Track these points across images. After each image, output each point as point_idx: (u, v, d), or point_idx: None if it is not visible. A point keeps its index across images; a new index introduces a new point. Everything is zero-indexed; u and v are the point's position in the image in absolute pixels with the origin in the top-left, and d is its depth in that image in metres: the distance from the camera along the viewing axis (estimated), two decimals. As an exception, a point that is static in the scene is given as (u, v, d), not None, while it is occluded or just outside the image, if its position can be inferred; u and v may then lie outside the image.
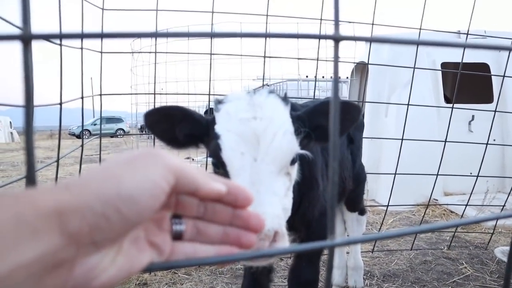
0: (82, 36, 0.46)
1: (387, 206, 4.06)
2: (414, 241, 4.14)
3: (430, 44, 0.57)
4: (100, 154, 3.44)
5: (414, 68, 3.49)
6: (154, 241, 0.51)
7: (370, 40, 0.84)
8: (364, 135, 6.58)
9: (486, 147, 3.71)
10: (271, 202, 1.08)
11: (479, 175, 4.02)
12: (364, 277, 3.45)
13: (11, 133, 24.17)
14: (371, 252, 4.01)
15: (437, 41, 0.58)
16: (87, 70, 2.87)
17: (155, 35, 0.50)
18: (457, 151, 5.34)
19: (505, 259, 3.67)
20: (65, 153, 2.69)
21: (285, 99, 1.40)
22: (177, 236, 0.55)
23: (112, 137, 28.39)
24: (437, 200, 5.76)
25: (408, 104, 3.55)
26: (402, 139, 3.65)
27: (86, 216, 0.40)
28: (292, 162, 1.26)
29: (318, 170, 1.87)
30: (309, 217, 1.89)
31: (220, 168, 1.27)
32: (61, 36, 0.46)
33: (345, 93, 9.50)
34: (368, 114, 6.38)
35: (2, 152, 14.22)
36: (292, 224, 1.76)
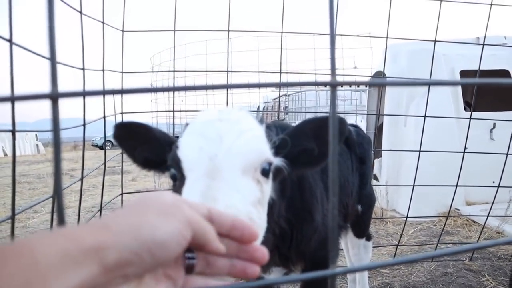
0: (103, 93, 0.52)
1: (406, 217, 4.02)
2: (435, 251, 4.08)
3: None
4: (122, 165, 3.54)
5: (430, 82, 3.47)
6: (169, 274, 0.58)
7: (368, 83, 0.89)
8: (383, 146, 6.55)
9: (507, 157, 3.66)
10: (228, 193, 0.95)
11: (501, 184, 3.96)
12: (383, 289, 3.44)
13: (37, 145, 24.90)
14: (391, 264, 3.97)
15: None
16: (108, 87, 2.99)
17: (173, 89, 0.56)
18: (479, 159, 5.25)
19: (529, 271, 3.60)
20: (89, 172, 2.79)
21: (261, 120, 1.26)
22: (189, 269, 0.61)
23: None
24: (459, 210, 5.68)
25: (424, 116, 3.55)
26: (419, 151, 3.64)
27: (122, 252, 0.48)
28: (264, 172, 1.10)
29: (314, 197, 1.73)
30: (305, 250, 1.75)
31: (176, 174, 1.13)
32: (85, 94, 0.52)
33: (364, 102, 9.48)
34: (387, 124, 6.35)
35: (29, 164, 14.65)
36: (288, 257, 1.70)
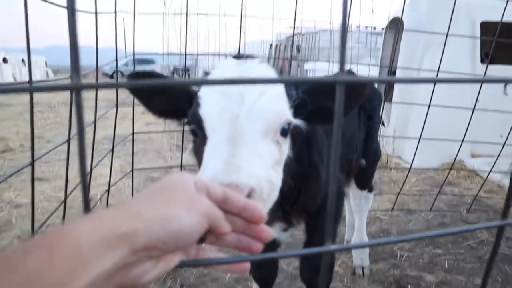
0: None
1: (409, 168, 4.10)
2: (434, 202, 4.21)
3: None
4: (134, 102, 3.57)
5: (447, 34, 3.38)
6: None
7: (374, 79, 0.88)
8: (394, 92, 6.48)
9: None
10: (250, 160, 0.97)
11: (508, 141, 3.98)
12: (381, 235, 3.60)
13: (47, 72, 24.81)
14: (391, 211, 4.12)
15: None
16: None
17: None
18: (489, 112, 5.21)
19: (524, 225, 3.71)
20: (102, 114, 2.85)
21: (280, 72, 1.26)
22: (201, 240, 0.67)
23: (143, 79, 28.64)
24: (463, 161, 5.73)
25: (438, 71, 3.50)
26: (429, 105, 3.63)
27: (151, 239, 0.56)
28: (283, 133, 1.12)
29: (320, 157, 1.73)
30: (310, 207, 1.79)
31: (197, 131, 1.14)
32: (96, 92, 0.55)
33: (379, 45, 9.22)
34: (401, 72, 6.23)
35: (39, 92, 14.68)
36: (291, 213, 1.72)
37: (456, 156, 4.14)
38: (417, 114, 5.90)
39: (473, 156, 5.90)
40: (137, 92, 1.31)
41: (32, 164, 1.91)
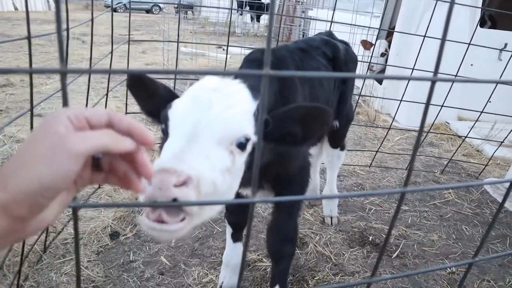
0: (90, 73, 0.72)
1: (389, 127, 4.28)
2: (410, 162, 4.43)
3: None
4: (129, 32, 3.64)
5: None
6: (76, 180, 0.70)
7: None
8: (391, 50, 6.49)
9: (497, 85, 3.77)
10: (197, 157, 1.03)
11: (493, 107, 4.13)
12: (355, 188, 3.86)
13: (48, 1, 23.95)
14: (369, 166, 4.36)
15: None
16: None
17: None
18: (484, 76, 5.30)
19: (490, 190, 3.97)
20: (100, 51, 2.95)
21: (255, 96, 1.36)
22: (97, 165, 0.72)
23: (147, 12, 28.02)
24: (449, 123, 5.91)
25: (424, 36, 3.55)
26: (413, 66, 3.74)
27: (20, 206, 0.59)
28: (240, 146, 1.20)
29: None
30: (281, 175, 1.89)
31: (165, 129, 1.23)
32: (90, 72, 0.72)
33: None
34: (399, 26, 6.20)
35: (40, 24, 14.23)
36: (261, 179, 1.82)
37: (436, 118, 4.28)
38: (409, 73, 5.99)
39: (460, 119, 6.06)
40: (133, 92, 1.44)
41: (31, 96, 2.04)
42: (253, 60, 1.94)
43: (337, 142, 3.14)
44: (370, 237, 3.07)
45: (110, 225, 2.95)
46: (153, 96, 1.40)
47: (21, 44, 8.73)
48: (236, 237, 2.44)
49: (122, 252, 2.72)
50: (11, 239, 0.63)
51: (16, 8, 20.36)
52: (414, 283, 2.63)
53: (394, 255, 2.89)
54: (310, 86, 2.17)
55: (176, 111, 1.21)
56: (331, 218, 3.23)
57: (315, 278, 2.59)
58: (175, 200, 0.86)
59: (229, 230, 2.45)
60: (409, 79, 0.77)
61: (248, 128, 1.24)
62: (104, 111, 0.71)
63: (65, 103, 0.64)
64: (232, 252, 2.46)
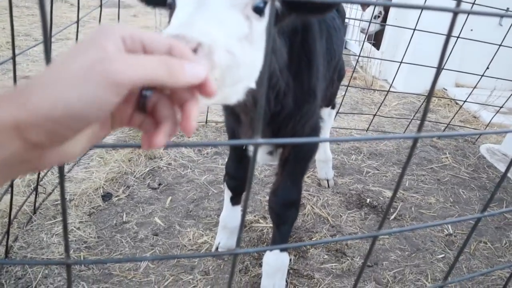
0: None
1: (387, 91, 4.18)
2: (407, 126, 4.38)
3: None
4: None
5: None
6: (114, 114, 0.59)
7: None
8: (389, 14, 6.30)
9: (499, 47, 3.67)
10: (209, 21, 0.88)
11: (491, 73, 4.04)
12: (352, 152, 3.80)
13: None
14: (366, 131, 4.30)
15: None
16: None
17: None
18: (480, 42, 5.18)
19: (487, 155, 3.94)
20: (86, 13, 2.79)
21: None
22: (142, 105, 0.60)
23: None
24: (446, 90, 5.83)
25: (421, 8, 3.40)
26: (414, 30, 3.62)
27: (40, 131, 0.48)
28: (258, 10, 1.02)
29: (318, 78, 1.69)
30: (298, 134, 1.75)
31: (172, 1, 1.04)
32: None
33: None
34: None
35: None
36: (278, 135, 1.69)
37: (433, 85, 4.17)
38: (408, 38, 5.85)
39: (457, 85, 5.98)
40: None
41: (13, 59, 1.93)
42: None
43: (329, 99, 3.01)
44: (368, 200, 3.03)
45: (102, 186, 2.87)
46: None
47: (5, 6, 8.37)
48: (235, 201, 2.38)
49: (115, 213, 2.65)
50: (24, 168, 0.52)
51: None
52: (411, 244, 2.61)
53: (392, 217, 2.86)
54: (328, 36, 1.99)
55: None
56: (328, 180, 3.17)
57: (312, 239, 2.55)
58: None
59: (228, 194, 2.37)
60: (427, 9, 0.67)
61: None
62: (165, 38, 0.58)
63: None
64: (230, 214, 2.40)
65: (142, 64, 0.51)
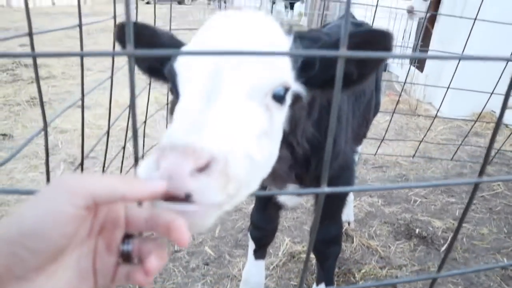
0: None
1: (435, 116, 4.09)
2: (456, 151, 4.28)
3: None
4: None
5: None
6: (97, 268, 0.57)
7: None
8: (433, 38, 6.22)
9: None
10: (223, 121, 0.74)
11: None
12: (398, 180, 3.76)
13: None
14: (412, 157, 4.23)
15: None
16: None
17: None
18: (531, 63, 5.01)
19: (543, 181, 3.78)
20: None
21: (288, 31, 1.05)
22: (126, 257, 0.58)
23: (179, 3, 28.22)
24: (495, 112, 5.65)
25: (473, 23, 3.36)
26: (461, 56, 3.55)
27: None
28: (278, 98, 0.90)
29: (340, 126, 1.61)
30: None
31: (173, 87, 0.94)
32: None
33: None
34: (444, 8, 5.90)
35: (77, 17, 14.62)
36: (304, 179, 1.60)
37: (484, 107, 4.08)
38: (453, 60, 5.73)
39: (508, 108, 5.77)
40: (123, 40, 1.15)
41: (82, 95, 2.08)
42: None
43: (361, 137, 2.69)
44: (417, 230, 2.98)
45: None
46: (152, 47, 1.11)
47: (59, 37, 8.98)
48: (258, 254, 2.22)
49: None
50: None
51: (53, 3, 20.95)
52: (464, 278, 2.54)
53: (443, 248, 2.80)
54: None
55: (185, 60, 0.90)
56: (349, 223, 3.05)
57: (361, 271, 2.54)
58: (188, 197, 0.59)
59: (251, 246, 2.22)
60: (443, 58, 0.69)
61: (287, 73, 0.95)
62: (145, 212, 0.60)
63: (132, 86, 0.57)
64: (252, 269, 2.24)
65: (99, 179, 0.52)
